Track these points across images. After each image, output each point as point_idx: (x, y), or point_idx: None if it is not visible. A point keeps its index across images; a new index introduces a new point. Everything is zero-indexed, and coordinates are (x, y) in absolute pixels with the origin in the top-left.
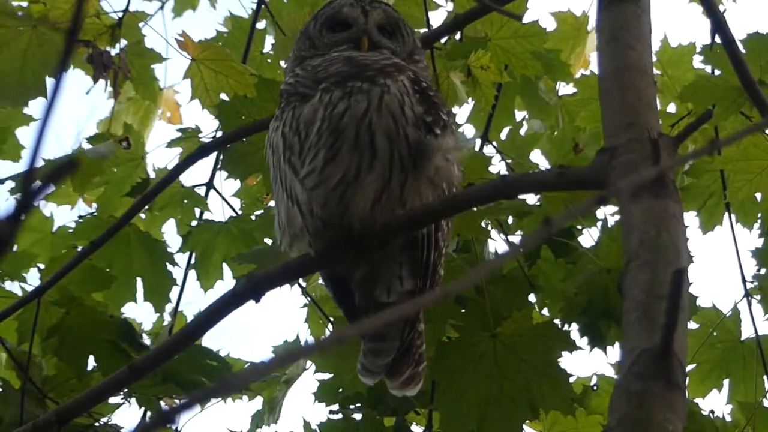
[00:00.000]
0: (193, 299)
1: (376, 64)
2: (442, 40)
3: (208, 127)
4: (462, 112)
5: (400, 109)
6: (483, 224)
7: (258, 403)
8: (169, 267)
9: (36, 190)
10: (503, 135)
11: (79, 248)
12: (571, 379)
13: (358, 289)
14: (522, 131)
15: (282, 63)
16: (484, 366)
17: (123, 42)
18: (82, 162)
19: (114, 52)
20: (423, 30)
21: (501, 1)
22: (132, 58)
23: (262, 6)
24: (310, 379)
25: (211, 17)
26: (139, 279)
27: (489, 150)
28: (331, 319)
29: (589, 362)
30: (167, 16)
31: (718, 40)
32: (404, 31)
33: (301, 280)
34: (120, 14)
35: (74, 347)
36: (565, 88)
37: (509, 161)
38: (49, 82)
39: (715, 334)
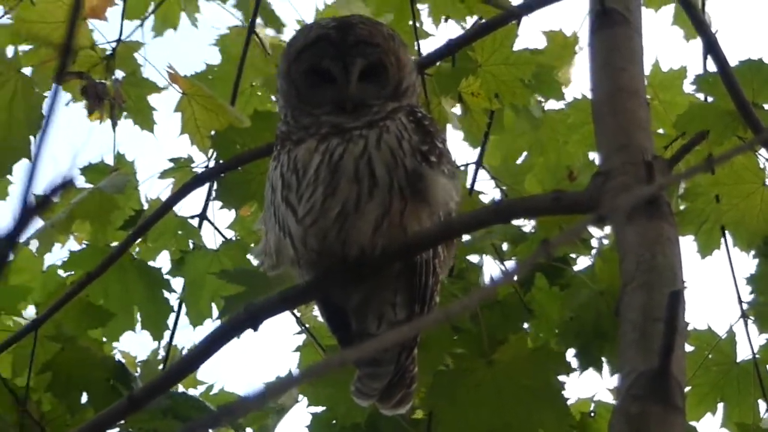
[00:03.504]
0: (187, 326)
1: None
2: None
3: (199, 156)
4: (454, 138)
5: (398, 144)
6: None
7: None
8: (166, 294)
9: (33, 205)
10: (497, 161)
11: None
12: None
13: (353, 317)
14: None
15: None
16: (482, 394)
17: (118, 73)
18: (98, 198)
19: (109, 82)
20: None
21: (493, 28)
22: (128, 89)
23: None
24: (302, 413)
25: (196, 35)
26: (136, 308)
27: (482, 176)
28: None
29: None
30: (146, 35)
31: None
32: (390, 64)
33: (296, 310)
34: (114, 44)
35: (68, 383)
36: (548, 104)
37: (504, 187)
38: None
39: (710, 356)
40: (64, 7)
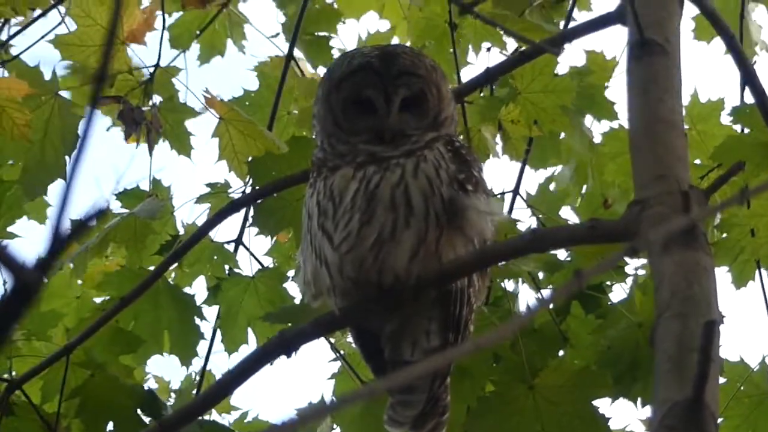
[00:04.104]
0: (222, 353)
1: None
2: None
3: (236, 181)
4: (493, 166)
5: (435, 172)
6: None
7: None
8: (197, 321)
9: (68, 232)
10: (533, 191)
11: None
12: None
13: (388, 345)
14: (552, 187)
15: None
16: (525, 420)
17: (156, 98)
18: (133, 223)
19: (146, 108)
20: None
21: (532, 57)
22: (165, 114)
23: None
24: None
25: (242, 61)
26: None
27: (519, 204)
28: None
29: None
30: (192, 64)
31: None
32: (431, 95)
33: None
34: (152, 69)
35: (96, 411)
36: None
37: (540, 216)
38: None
39: (742, 388)
40: (102, 31)
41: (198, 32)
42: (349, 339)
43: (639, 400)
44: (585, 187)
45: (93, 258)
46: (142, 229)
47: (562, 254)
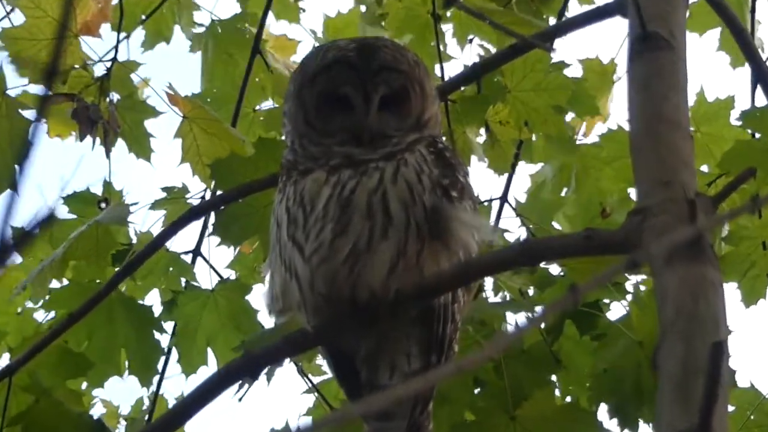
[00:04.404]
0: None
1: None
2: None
3: (199, 186)
4: (478, 170)
5: (416, 178)
6: (500, 296)
7: None
8: (156, 335)
9: (11, 241)
10: (523, 198)
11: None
12: None
13: (364, 366)
14: (543, 194)
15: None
16: None
17: (114, 95)
18: (95, 235)
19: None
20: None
21: (523, 51)
22: (123, 112)
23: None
24: None
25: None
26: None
27: (507, 212)
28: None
29: None
30: (135, 50)
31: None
32: (414, 93)
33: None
34: (108, 64)
35: None
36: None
37: (530, 226)
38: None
39: (752, 416)
40: (54, 23)
41: (144, 17)
42: (320, 361)
43: (643, 425)
44: (572, 192)
45: (52, 278)
46: (105, 239)
47: (554, 269)
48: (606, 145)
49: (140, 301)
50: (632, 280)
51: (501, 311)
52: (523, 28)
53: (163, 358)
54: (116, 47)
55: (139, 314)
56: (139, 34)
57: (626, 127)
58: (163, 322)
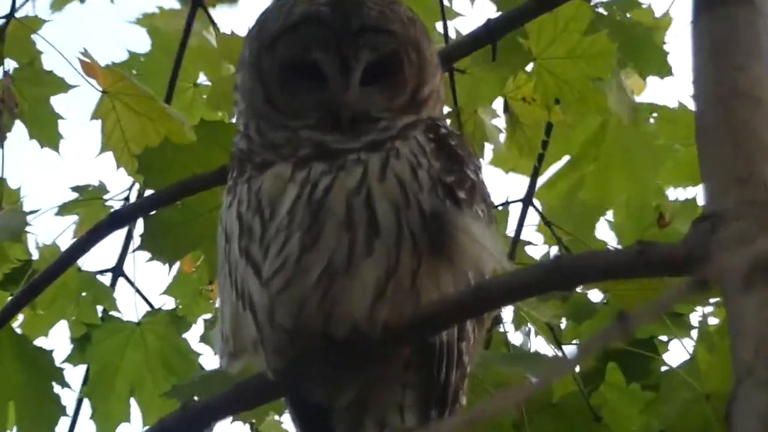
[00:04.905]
0: None
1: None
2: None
3: (118, 182)
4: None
5: (411, 173)
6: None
7: None
8: (57, 388)
9: None
10: (553, 200)
11: None
12: None
13: (341, 424)
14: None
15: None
16: None
17: (9, 63)
18: None
19: None
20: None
21: (553, 5)
22: (21, 86)
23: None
24: None
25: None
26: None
27: (533, 219)
28: None
29: None
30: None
31: None
32: (408, 61)
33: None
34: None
35: None
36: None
37: (563, 237)
38: None
39: None
40: None
41: None
42: (281, 417)
43: None
44: (618, 192)
45: None
46: None
47: (594, 294)
48: (663, 131)
49: (36, 342)
50: (698, 311)
51: (519, 370)
52: None
53: (72, 412)
54: (13, 3)
55: (35, 359)
56: None
57: (690, 105)
58: (72, 366)
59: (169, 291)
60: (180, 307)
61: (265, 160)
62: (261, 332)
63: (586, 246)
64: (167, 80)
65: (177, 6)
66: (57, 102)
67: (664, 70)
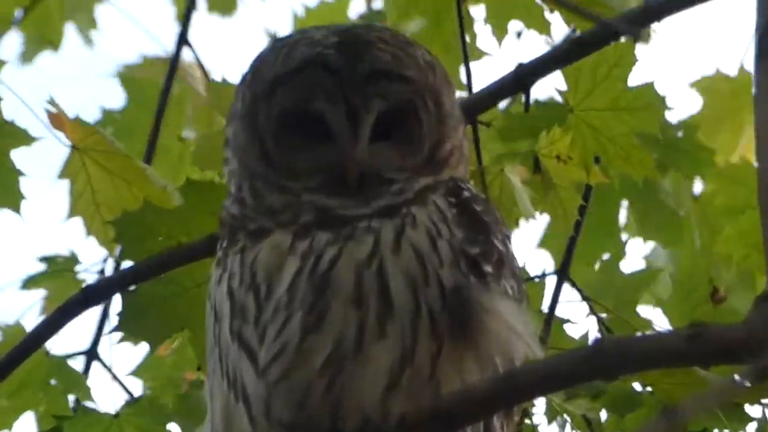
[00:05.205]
0: None
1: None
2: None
3: (91, 252)
4: (524, 230)
5: (430, 244)
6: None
7: None
8: None
9: None
10: (591, 273)
11: None
12: None
13: None
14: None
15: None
16: None
17: None
18: None
19: None
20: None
21: (592, 48)
22: None
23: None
24: None
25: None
26: None
27: (570, 295)
28: None
29: None
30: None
31: None
32: (425, 112)
33: None
34: None
35: None
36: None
37: (603, 315)
38: None
39: None
40: None
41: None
42: None
43: None
44: (667, 263)
45: None
46: None
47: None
48: (719, 189)
49: None
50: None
51: None
52: (595, 6)
53: None
54: None
55: None
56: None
57: (753, 160)
58: None
59: (138, 373)
60: (148, 392)
61: (260, 227)
62: (255, 428)
63: (630, 327)
64: (148, 133)
65: (161, 54)
66: (17, 156)
67: (708, 166)
